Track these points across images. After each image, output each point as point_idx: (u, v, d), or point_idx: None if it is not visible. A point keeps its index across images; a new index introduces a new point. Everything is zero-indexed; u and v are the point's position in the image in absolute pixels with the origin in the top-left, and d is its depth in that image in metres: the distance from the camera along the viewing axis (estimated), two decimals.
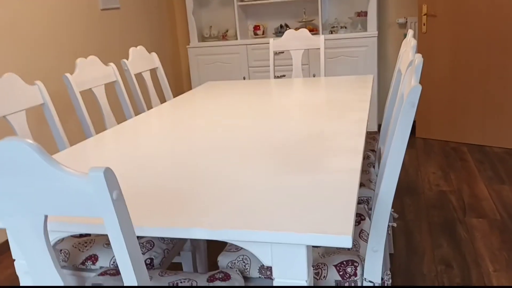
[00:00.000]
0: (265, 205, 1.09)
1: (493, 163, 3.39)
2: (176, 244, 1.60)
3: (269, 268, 1.34)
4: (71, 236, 1.59)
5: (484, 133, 3.76)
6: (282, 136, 1.64)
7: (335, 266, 1.30)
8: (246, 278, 1.36)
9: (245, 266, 1.36)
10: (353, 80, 2.66)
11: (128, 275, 0.82)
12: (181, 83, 4.85)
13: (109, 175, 0.70)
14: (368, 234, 1.47)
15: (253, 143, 1.59)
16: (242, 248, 1.42)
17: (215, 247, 2.38)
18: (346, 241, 0.90)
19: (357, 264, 1.29)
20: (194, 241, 1.82)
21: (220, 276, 1.28)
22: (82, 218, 1.08)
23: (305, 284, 1.07)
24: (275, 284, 1.09)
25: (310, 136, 1.61)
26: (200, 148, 1.58)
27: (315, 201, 1.08)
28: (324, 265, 1.31)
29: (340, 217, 0.98)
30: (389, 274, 1.28)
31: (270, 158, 1.42)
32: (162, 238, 1.54)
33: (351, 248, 1.38)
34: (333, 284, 1.30)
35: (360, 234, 1.46)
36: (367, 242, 1.43)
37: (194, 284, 1.26)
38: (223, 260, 1.39)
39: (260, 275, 1.34)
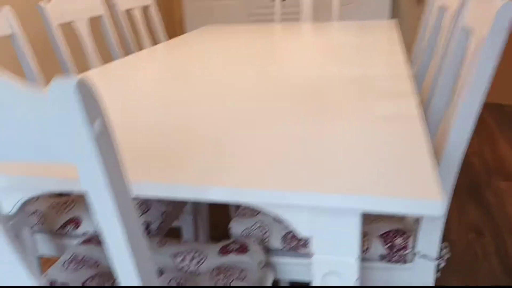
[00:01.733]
0: (298, 160, 0.81)
1: None
2: (175, 207, 1.33)
3: (297, 238, 1.07)
4: (49, 196, 1.31)
5: (502, 91, 3.49)
6: (307, 81, 1.34)
7: (380, 236, 1.04)
8: (266, 250, 1.09)
9: (263, 234, 1.09)
10: (373, 24, 2.35)
11: (120, 253, 0.54)
12: (174, 30, 4.48)
13: (86, 91, 0.40)
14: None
15: (275, 89, 1.29)
16: (259, 212, 1.15)
17: (217, 211, 2.12)
18: (436, 208, 0.62)
19: (408, 235, 1.03)
20: (196, 204, 1.55)
21: (235, 248, 1.01)
22: (51, 169, 0.79)
23: (353, 262, 0.81)
24: (314, 261, 0.82)
25: (341, 80, 1.31)
26: (206, 92, 1.28)
27: (370, 155, 0.80)
28: (366, 234, 1.05)
29: (416, 175, 0.71)
30: (446, 247, 1.02)
31: (298, 105, 1.13)
32: (160, 200, 1.27)
33: (394, 216, 1.12)
34: (377, 257, 1.04)
35: None
36: None
37: (203, 258, 0.99)
38: (237, 228, 1.12)
39: (284, 246, 1.08)
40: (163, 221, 1.23)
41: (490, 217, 2.03)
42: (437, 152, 1.03)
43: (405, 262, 1.03)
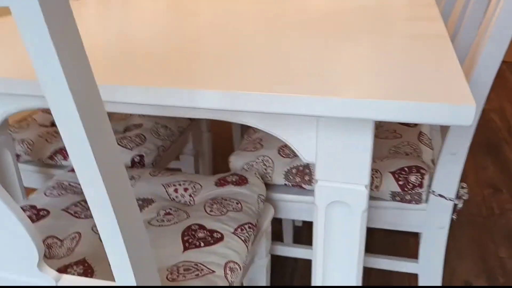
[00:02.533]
0: (314, 70, 0.70)
1: None
2: (174, 143, 1.24)
3: (301, 172, 0.98)
4: (39, 124, 1.23)
5: None
6: (326, 7, 1.22)
7: (393, 173, 0.94)
8: (267, 186, 1.01)
9: (266, 169, 1.00)
10: None
11: (89, 179, 0.44)
12: None
13: None
14: (429, 139, 1.10)
15: (291, 16, 1.17)
16: (262, 146, 1.06)
17: (220, 154, 2.04)
18: (467, 114, 0.52)
19: (424, 172, 0.93)
20: (197, 143, 1.46)
21: (234, 180, 0.93)
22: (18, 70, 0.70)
23: (364, 190, 0.71)
24: (318, 189, 0.73)
25: (363, 8, 1.19)
26: (214, 17, 1.17)
27: (393, 64, 0.70)
28: (377, 171, 0.95)
29: (442, 79, 0.60)
30: (465, 187, 0.93)
31: (315, 26, 1.01)
32: (157, 132, 1.18)
33: (411, 153, 1.02)
34: (388, 196, 0.95)
35: (419, 137, 1.10)
36: (430, 148, 1.07)
37: (198, 189, 0.91)
38: (237, 161, 1.03)
39: (287, 182, 0.99)
40: (159, 155, 1.14)
41: (509, 174, 1.93)
42: None
43: (419, 201, 0.93)
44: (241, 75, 0.67)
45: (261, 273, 0.97)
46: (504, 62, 3.38)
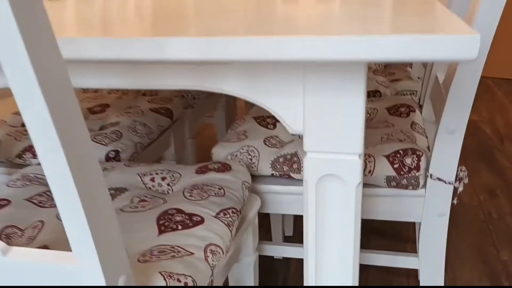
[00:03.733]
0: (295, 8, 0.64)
1: None
2: (154, 141, 1.17)
3: (289, 160, 0.91)
4: (8, 125, 1.15)
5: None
6: None
7: (387, 156, 0.87)
8: (253, 177, 0.94)
9: (251, 159, 0.93)
10: None
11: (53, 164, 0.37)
12: None
13: None
14: (422, 128, 1.05)
15: None
16: (247, 137, 0.99)
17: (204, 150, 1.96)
18: (471, 45, 0.46)
19: (420, 154, 0.87)
20: (179, 149, 1.39)
21: (216, 167, 0.85)
22: None
23: (357, 160, 0.65)
24: (307, 162, 0.66)
25: None
26: None
27: (385, 11, 0.64)
28: (370, 156, 0.89)
29: (438, 18, 0.54)
30: (464, 170, 0.86)
31: None
32: (134, 129, 1.11)
33: (404, 140, 0.96)
34: (383, 181, 0.88)
35: (412, 126, 1.04)
36: (424, 136, 1.01)
37: (176, 178, 0.84)
38: (220, 152, 0.96)
39: (274, 171, 0.92)
40: (136, 152, 1.07)
41: (504, 179, 1.87)
42: None
43: (416, 186, 0.87)
44: (215, 23, 0.61)
45: (248, 271, 0.89)
46: (490, 78, 3.39)
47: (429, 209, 0.88)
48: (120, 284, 0.45)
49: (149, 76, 0.68)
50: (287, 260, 1.42)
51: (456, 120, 0.82)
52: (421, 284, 0.95)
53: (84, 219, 0.42)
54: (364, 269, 1.37)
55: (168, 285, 0.52)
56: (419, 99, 1.28)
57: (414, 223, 1.64)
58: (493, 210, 1.65)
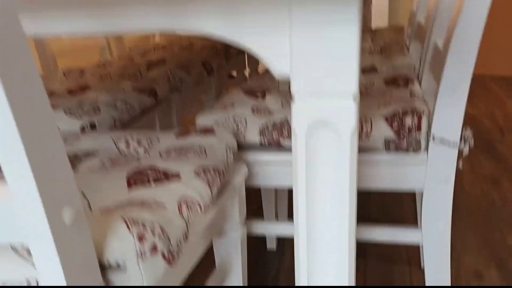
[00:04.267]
0: None
1: None
2: (135, 120, 1.10)
3: (279, 127, 0.84)
4: None
5: (509, 63, 3.28)
6: None
7: (386, 118, 0.80)
8: (240, 147, 0.86)
9: (238, 127, 0.86)
10: None
11: None
12: None
13: None
14: (422, 96, 0.98)
15: None
16: (234, 107, 0.92)
17: None
18: None
19: (421, 113, 0.79)
20: (165, 126, 1.31)
21: (198, 131, 0.78)
22: None
23: (351, 103, 0.57)
24: (295, 109, 0.59)
25: None
26: None
27: None
28: (366, 118, 0.82)
29: None
30: (469, 130, 0.79)
31: None
32: (114, 105, 1.03)
33: (404, 88, 0.89)
34: (382, 145, 0.80)
35: (411, 95, 0.97)
36: (424, 103, 0.94)
37: (155, 142, 0.76)
38: (204, 121, 0.89)
39: (263, 139, 0.84)
40: (115, 126, 0.99)
41: (506, 168, 1.80)
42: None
43: (418, 149, 0.79)
44: None
45: (235, 248, 0.80)
46: (487, 75, 3.34)
47: (432, 175, 0.80)
48: (65, 218, 0.37)
49: (118, 19, 0.61)
50: (280, 252, 1.34)
51: (460, 73, 0.75)
52: (425, 261, 0.86)
53: (18, 135, 0.35)
54: (362, 254, 1.28)
55: (131, 231, 0.45)
56: (418, 75, 1.22)
57: (414, 199, 1.56)
58: (496, 197, 1.58)
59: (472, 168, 1.82)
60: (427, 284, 0.88)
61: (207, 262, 0.85)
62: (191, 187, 0.59)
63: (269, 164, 0.85)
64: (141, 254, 0.45)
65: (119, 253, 0.44)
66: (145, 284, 0.45)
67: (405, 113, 0.79)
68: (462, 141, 0.77)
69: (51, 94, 1.16)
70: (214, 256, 0.82)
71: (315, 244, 0.64)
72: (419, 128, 0.78)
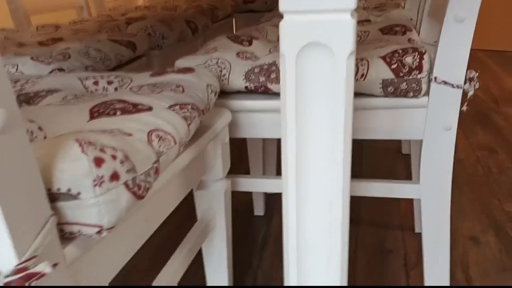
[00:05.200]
0: None
1: None
2: (110, 69, 1.01)
3: (266, 70, 0.76)
4: None
5: (503, 38, 3.22)
6: None
7: (384, 57, 0.73)
8: (223, 94, 0.78)
9: (221, 71, 0.78)
10: None
11: None
12: None
13: None
14: (421, 44, 0.90)
15: None
16: (216, 51, 0.84)
17: None
18: None
19: (422, 52, 0.72)
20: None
21: (176, 70, 0.70)
22: None
23: (349, 19, 0.50)
24: (283, 27, 0.51)
25: None
26: None
27: None
28: (362, 59, 0.74)
29: None
30: (475, 73, 0.72)
31: None
32: (86, 53, 0.95)
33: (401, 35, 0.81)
34: (379, 87, 0.73)
35: (410, 41, 0.89)
36: (424, 49, 0.86)
37: (127, 81, 0.68)
38: (184, 63, 0.81)
39: (248, 84, 0.76)
40: None
41: (502, 137, 1.74)
42: None
43: (418, 92, 0.72)
44: None
45: (217, 201, 0.73)
46: (481, 50, 3.28)
47: (433, 121, 0.73)
48: None
49: None
50: (267, 217, 1.27)
51: (467, 6, 0.67)
52: (423, 219, 0.80)
53: None
54: (354, 220, 1.22)
55: (85, 152, 0.37)
56: (416, 26, 1.14)
57: (405, 159, 1.50)
58: (493, 165, 1.52)
59: (468, 138, 1.76)
60: (424, 246, 0.82)
61: (191, 217, 0.78)
62: (165, 119, 0.51)
63: (255, 111, 0.78)
64: (99, 180, 0.37)
65: (70, 179, 0.36)
66: (104, 217, 0.38)
67: (405, 52, 0.72)
68: (467, 82, 0.70)
69: (20, 45, 1.07)
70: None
71: (305, 198, 0.56)
72: (420, 68, 0.70)
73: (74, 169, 0.36)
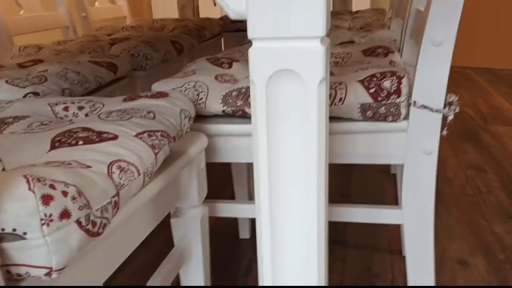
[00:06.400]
0: None
1: (507, 82, 2.87)
2: (89, 92, 0.99)
3: (244, 94, 0.75)
4: None
5: (491, 56, 3.24)
6: None
7: (362, 81, 0.71)
8: (200, 118, 0.77)
9: (198, 95, 0.76)
10: None
11: None
12: None
13: None
14: (403, 66, 0.89)
15: None
16: (194, 73, 0.83)
17: None
18: None
19: (401, 76, 0.71)
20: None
21: (149, 94, 0.68)
22: None
23: (318, 46, 0.48)
24: (252, 55, 0.50)
25: None
26: None
27: None
28: (340, 83, 0.73)
29: None
30: (454, 96, 0.71)
31: None
32: (64, 76, 0.93)
33: (383, 58, 0.80)
34: (357, 111, 0.71)
35: (391, 63, 0.88)
36: (405, 71, 0.85)
37: (98, 107, 0.66)
38: (160, 88, 0.79)
39: (226, 107, 0.75)
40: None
41: (490, 156, 1.73)
42: None
43: (397, 117, 0.71)
44: None
45: (193, 228, 0.71)
46: (469, 67, 3.29)
47: (414, 146, 0.72)
48: None
49: None
50: (253, 241, 1.24)
51: (443, 30, 0.66)
52: (406, 244, 0.78)
53: None
54: (341, 241, 1.20)
55: (31, 188, 0.35)
56: (399, 48, 1.14)
57: (394, 179, 1.48)
58: (481, 184, 1.51)
59: (456, 156, 1.75)
60: (408, 271, 0.80)
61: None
62: (129, 149, 0.49)
63: (233, 135, 0.76)
64: (47, 219, 0.35)
65: (15, 219, 0.34)
66: (53, 258, 0.36)
67: (383, 76, 0.71)
68: (447, 106, 0.69)
69: None
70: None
71: (280, 224, 0.54)
72: (398, 93, 0.69)
73: (19, 209, 0.34)
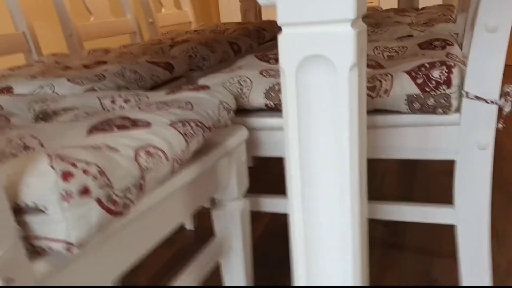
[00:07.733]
0: None
1: None
2: (145, 90, 1.03)
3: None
4: None
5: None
6: None
7: (409, 72, 0.68)
8: (243, 111, 0.77)
9: (241, 89, 0.77)
10: None
11: None
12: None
13: None
14: (462, 58, 0.84)
15: None
16: (240, 69, 0.83)
17: None
18: None
19: (451, 65, 0.66)
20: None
21: (191, 87, 0.70)
22: None
23: (349, 30, 0.47)
24: (282, 41, 0.49)
25: None
26: None
27: None
28: (386, 74, 0.70)
29: None
30: (511, 87, 0.65)
31: None
32: (122, 74, 0.97)
33: (440, 50, 0.76)
34: (404, 103, 0.68)
35: (448, 56, 0.83)
36: (463, 64, 0.80)
37: (144, 99, 0.68)
38: (205, 82, 0.81)
39: (268, 102, 0.75)
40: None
41: None
42: None
43: (448, 108, 0.66)
44: None
45: (233, 221, 0.71)
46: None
47: (467, 140, 0.67)
48: None
49: None
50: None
51: (498, 14, 0.61)
52: (459, 247, 0.73)
53: None
54: (398, 244, 1.15)
55: (51, 165, 0.36)
56: (461, 42, 1.07)
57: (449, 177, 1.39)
58: None
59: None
60: (462, 276, 0.75)
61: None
62: (160, 135, 0.50)
63: (275, 129, 0.75)
64: (65, 195, 0.36)
65: (36, 193, 0.36)
66: (72, 233, 0.37)
67: (432, 66, 0.67)
68: (503, 97, 0.64)
69: (65, 68, 1.13)
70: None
71: (313, 219, 0.53)
72: (448, 83, 0.65)
73: (40, 184, 0.36)
